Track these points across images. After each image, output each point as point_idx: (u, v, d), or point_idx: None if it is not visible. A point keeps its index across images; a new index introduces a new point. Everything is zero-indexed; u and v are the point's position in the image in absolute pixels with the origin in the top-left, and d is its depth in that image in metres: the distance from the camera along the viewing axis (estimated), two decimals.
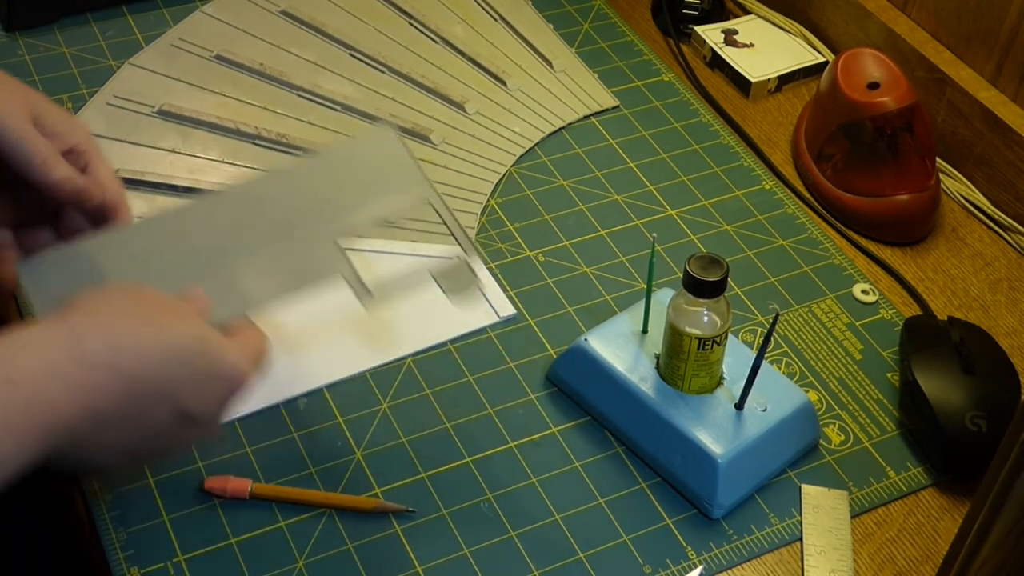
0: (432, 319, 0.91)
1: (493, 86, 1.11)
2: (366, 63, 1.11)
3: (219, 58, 1.10)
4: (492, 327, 0.92)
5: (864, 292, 0.97)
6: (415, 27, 1.16)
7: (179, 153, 1.01)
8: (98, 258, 0.73)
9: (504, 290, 0.94)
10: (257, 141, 1.03)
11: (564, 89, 1.12)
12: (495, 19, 1.19)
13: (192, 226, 0.76)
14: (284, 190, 0.78)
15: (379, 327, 0.90)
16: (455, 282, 0.78)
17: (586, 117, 1.10)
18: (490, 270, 0.95)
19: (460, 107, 1.08)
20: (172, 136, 1.02)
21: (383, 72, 1.11)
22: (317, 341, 0.88)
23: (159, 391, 0.64)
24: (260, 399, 0.85)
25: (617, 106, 1.12)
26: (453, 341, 0.90)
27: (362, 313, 0.77)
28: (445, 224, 0.79)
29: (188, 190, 0.98)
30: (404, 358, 0.89)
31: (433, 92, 1.09)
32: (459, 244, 0.78)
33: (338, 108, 1.06)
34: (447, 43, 1.15)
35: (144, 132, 1.02)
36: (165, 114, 1.04)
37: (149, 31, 1.13)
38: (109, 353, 0.62)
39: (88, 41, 1.12)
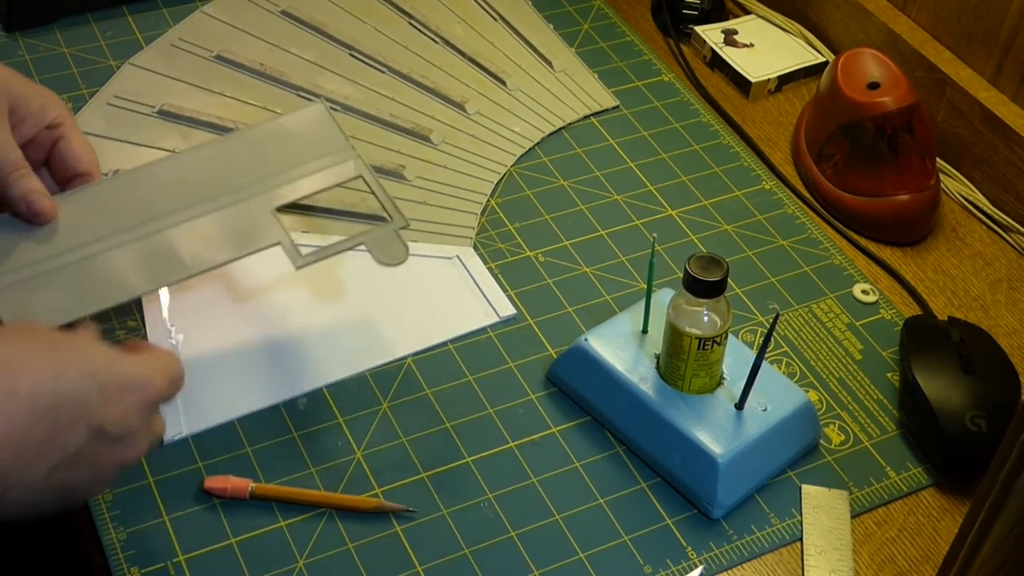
0: (432, 319, 0.91)
1: (493, 86, 1.11)
2: (366, 63, 1.11)
3: (219, 58, 1.10)
4: (492, 327, 0.92)
5: (864, 292, 0.97)
6: (415, 27, 1.16)
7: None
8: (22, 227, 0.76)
9: (504, 290, 0.94)
10: None
11: (564, 89, 1.12)
12: (495, 19, 1.19)
13: (129, 193, 0.78)
14: (219, 161, 0.81)
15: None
16: (386, 251, 0.80)
17: (586, 117, 1.10)
18: (490, 270, 0.95)
19: (460, 107, 1.08)
20: (173, 136, 1.02)
21: (383, 72, 1.11)
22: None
23: (66, 409, 0.63)
24: (260, 399, 0.85)
25: (617, 106, 1.12)
26: (453, 341, 0.90)
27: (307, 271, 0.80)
28: (374, 194, 0.82)
29: None
30: (404, 358, 0.89)
31: (433, 92, 1.09)
32: (388, 214, 0.81)
33: (338, 108, 1.06)
34: (447, 43, 1.15)
35: (144, 132, 1.02)
36: (165, 114, 1.04)
37: (149, 31, 1.13)
38: (7, 379, 0.62)
39: (88, 41, 1.12)
